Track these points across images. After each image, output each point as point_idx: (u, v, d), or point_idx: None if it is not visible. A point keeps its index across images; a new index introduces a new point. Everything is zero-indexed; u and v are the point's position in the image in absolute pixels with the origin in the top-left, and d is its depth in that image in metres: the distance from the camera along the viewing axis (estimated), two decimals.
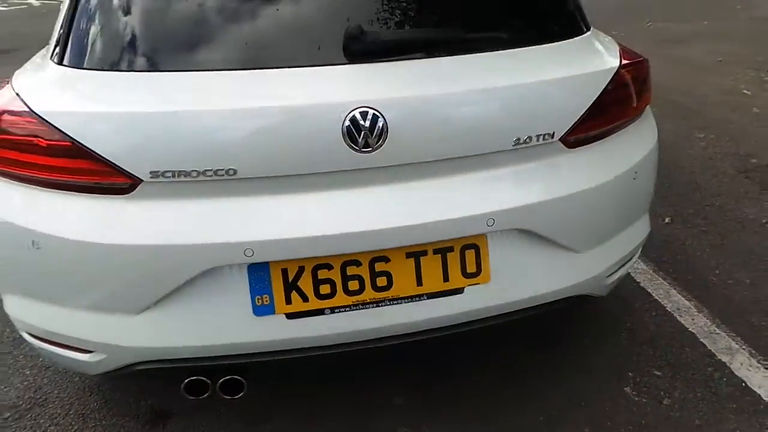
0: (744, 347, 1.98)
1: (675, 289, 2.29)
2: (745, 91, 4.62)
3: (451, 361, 1.95)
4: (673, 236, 2.66)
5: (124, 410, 1.83)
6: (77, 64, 1.27)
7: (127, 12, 1.30)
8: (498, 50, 1.35)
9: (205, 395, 1.48)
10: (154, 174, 1.20)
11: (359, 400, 1.82)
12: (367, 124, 1.20)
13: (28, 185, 1.29)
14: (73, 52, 1.28)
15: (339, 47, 1.25)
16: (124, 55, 1.27)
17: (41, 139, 1.23)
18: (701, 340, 2.03)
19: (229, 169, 1.20)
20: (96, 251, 1.25)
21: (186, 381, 1.44)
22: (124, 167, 1.20)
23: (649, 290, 2.29)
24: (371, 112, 1.19)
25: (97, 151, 1.19)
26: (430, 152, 1.28)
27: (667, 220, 2.78)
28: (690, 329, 2.07)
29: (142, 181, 1.21)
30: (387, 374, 1.90)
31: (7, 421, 1.81)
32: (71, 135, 1.20)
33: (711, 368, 1.91)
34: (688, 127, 3.90)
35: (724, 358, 1.94)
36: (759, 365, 1.91)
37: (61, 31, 1.32)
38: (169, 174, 1.20)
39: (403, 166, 1.27)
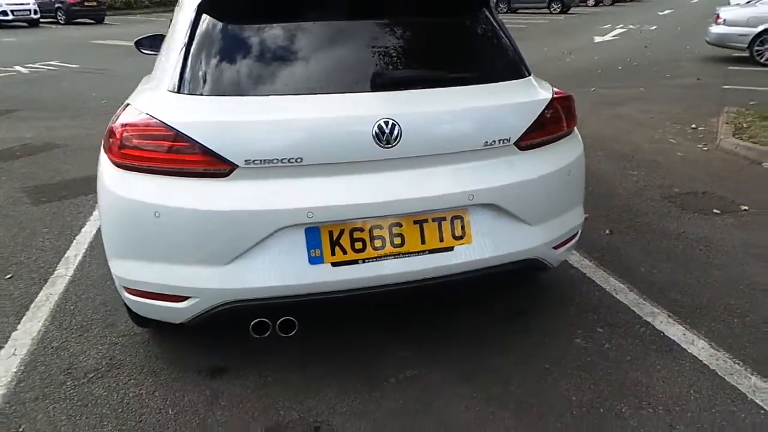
0: (663, 312, 2.61)
1: (612, 277, 2.93)
2: (671, 140, 5.51)
3: (442, 326, 2.52)
4: (611, 243, 3.33)
5: (187, 368, 2.30)
6: (188, 92, 1.88)
7: (222, 57, 1.92)
8: (472, 84, 2.03)
9: (267, 334, 2.01)
10: (247, 162, 1.79)
11: (374, 352, 2.35)
12: (388, 129, 1.83)
13: (153, 174, 1.85)
14: (184, 85, 1.88)
15: (370, 81, 1.93)
16: (221, 86, 1.89)
17: (167, 141, 1.81)
18: (632, 308, 2.65)
19: (298, 157, 1.80)
20: (202, 216, 1.81)
21: (253, 322, 1.97)
22: (227, 157, 1.79)
23: (592, 278, 2.92)
24: (391, 122, 1.84)
25: (209, 146, 1.78)
26: (429, 149, 1.91)
27: (607, 231, 3.46)
28: (623, 302, 2.70)
29: (238, 166, 1.80)
30: (394, 335, 2.45)
31: (92, 379, 2.26)
32: (190, 136, 1.79)
33: (638, 326, 2.52)
34: (624, 166, 4.70)
35: (648, 319, 2.56)
36: (674, 322, 2.53)
37: (174, 70, 1.92)
38: (258, 161, 1.79)
39: (411, 158, 1.89)
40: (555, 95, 2.17)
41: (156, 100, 1.92)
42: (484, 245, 2.02)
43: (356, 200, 1.86)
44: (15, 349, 2.44)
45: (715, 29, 10.08)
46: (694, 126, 5.96)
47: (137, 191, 1.87)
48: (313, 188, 1.84)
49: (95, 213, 3.91)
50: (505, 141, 2.01)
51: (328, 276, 1.90)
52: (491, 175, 2.00)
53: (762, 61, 9.63)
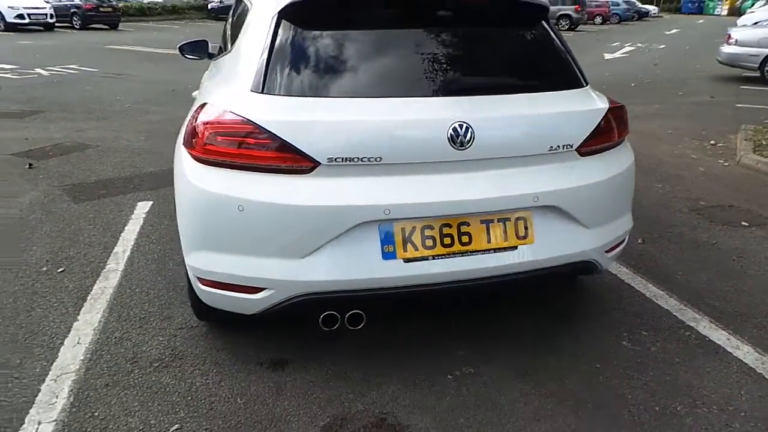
0: (705, 318, 2.69)
1: (651, 284, 3.01)
2: (692, 156, 5.62)
3: (493, 326, 2.59)
4: (645, 251, 3.41)
5: (248, 360, 2.38)
6: (271, 92, 1.97)
7: (303, 61, 2.02)
8: (536, 92, 2.13)
9: (335, 327, 2.09)
10: (330, 159, 1.88)
11: (430, 349, 2.43)
12: (462, 132, 1.93)
13: (237, 170, 1.94)
14: (268, 86, 1.97)
15: (443, 86, 2.03)
16: (303, 87, 1.98)
17: (253, 138, 1.91)
18: (674, 314, 2.73)
19: (378, 157, 1.90)
20: (284, 210, 1.90)
21: (323, 315, 2.05)
22: (311, 155, 1.88)
23: (632, 285, 3.00)
24: (465, 125, 1.93)
25: (294, 144, 1.88)
26: (498, 152, 2.00)
27: (640, 240, 3.55)
28: (665, 307, 2.78)
29: (321, 164, 1.89)
30: (448, 334, 2.53)
31: (157, 369, 2.33)
32: (277, 133, 1.88)
33: (683, 330, 2.60)
34: (649, 180, 4.79)
35: (692, 324, 2.64)
36: (717, 327, 2.61)
37: (256, 71, 2.01)
38: (340, 159, 1.89)
39: (481, 161, 1.98)
40: (611, 105, 2.27)
41: (239, 99, 2.00)
42: (545, 246, 2.11)
43: (430, 199, 1.95)
44: (79, 338, 2.52)
45: (727, 49, 10.26)
46: (713, 142, 6.07)
47: (222, 185, 1.95)
48: (391, 186, 1.93)
49: (136, 211, 4.00)
50: (568, 147, 2.10)
51: (400, 271, 1.98)
52: (555, 178, 2.09)
53: None
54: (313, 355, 2.40)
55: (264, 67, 2.01)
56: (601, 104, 2.23)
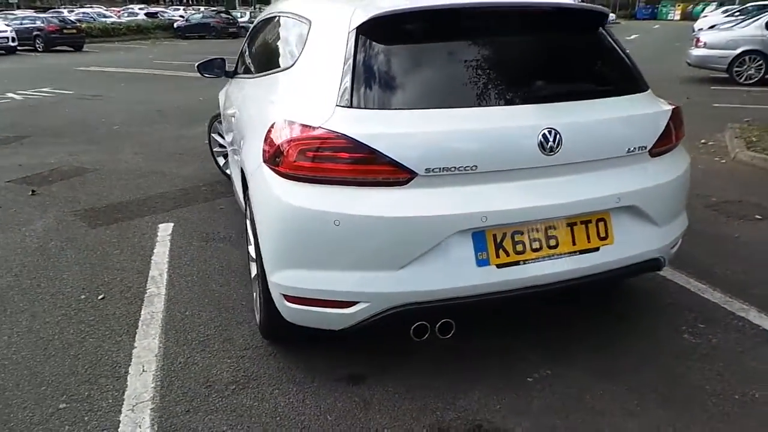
0: (752, 307, 2.80)
1: (692, 279, 3.11)
2: None
3: (557, 330, 2.64)
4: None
5: (326, 376, 2.35)
6: (360, 106, 1.98)
7: (387, 74, 2.03)
8: (611, 96, 2.20)
9: (425, 337, 2.09)
10: (427, 170, 1.90)
11: (503, 355, 2.45)
12: (551, 138, 1.98)
13: (331, 184, 1.94)
14: (356, 100, 1.98)
15: (528, 94, 2.09)
16: (391, 100, 1.99)
17: (348, 152, 1.91)
18: (722, 306, 2.83)
19: (473, 165, 1.92)
20: (382, 223, 1.90)
21: (414, 326, 2.06)
22: (408, 166, 1.89)
23: (675, 281, 3.10)
24: (553, 131, 1.98)
25: (392, 157, 1.89)
26: (584, 155, 2.05)
27: None
28: (713, 300, 2.88)
29: (418, 174, 1.91)
30: (515, 339, 2.55)
31: (234, 391, 2.29)
32: (373, 147, 1.89)
33: (735, 320, 2.70)
34: None
35: (741, 314, 2.74)
36: (766, 316, 2.71)
37: (342, 85, 2.00)
38: (437, 170, 1.90)
39: (568, 165, 2.03)
40: (673, 107, 2.36)
41: (327, 114, 1.99)
42: (624, 245, 2.17)
43: (524, 204, 1.99)
44: (143, 366, 2.45)
45: (696, 52, 10.73)
46: (704, 141, 6.32)
47: (316, 201, 1.94)
48: (486, 194, 1.96)
49: (160, 234, 3.92)
50: (643, 148, 2.18)
51: (493, 277, 2.00)
52: (633, 179, 2.16)
53: (741, 80, 10.27)
54: (387, 368, 2.39)
55: (350, 82, 2.01)
56: (666, 107, 2.32)
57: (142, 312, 2.89)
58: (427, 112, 1.96)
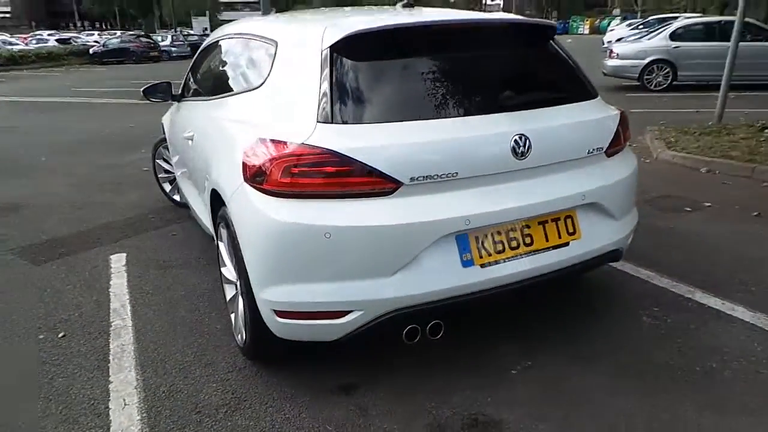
0: (697, 289, 3.08)
1: (641, 268, 3.37)
2: None
3: (527, 324, 2.78)
4: None
5: (318, 389, 2.36)
6: (340, 121, 2.03)
7: (364, 89, 2.11)
8: (569, 103, 2.38)
9: (416, 339, 2.16)
10: (412, 179, 1.98)
11: (482, 351, 2.56)
12: (522, 143, 2.12)
13: (319, 198, 1.98)
14: (335, 116, 2.03)
15: (497, 103, 2.24)
16: (370, 114, 2.06)
17: (334, 166, 1.96)
18: (670, 290, 3.10)
19: (454, 172, 2.03)
20: (372, 232, 1.96)
21: (406, 329, 2.12)
22: (394, 176, 1.97)
23: (625, 270, 3.34)
24: (523, 137, 2.13)
25: (378, 168, 1.96)
26: (551, 158, 2.21)
27: None
28: (661, 286, 3.15)
29: (403, 184, 1.99)
30: (489, 335, 2.67)
31: (227, 414, 2.25)
32: (359, 159, 1.95)
33: (684, 302, 2.96)
34: None
35: (689, 296, 3.02)
36: (709, 296, 3.00)
37: (320, 102, 2.06)
38: (420, 178, 1.99)
39: (537, 167, 2.18)
40: (620, 111, 2.59)
41: (309, 130, 2.03)
42: (589, 239, 2.35)
43: (501, 206, 2.11)
44: (124, 400, 2.35)
45: (611, 62, 11.61)
46: (629, 144, 6.82)
47: (305, 215, 1.98)
48: (467, 198, 2.07)
49: (114, 265, 3.76)
50: (599, 149, 2.38)
51: (478, 276, 2.11)
52: (593, 178, 2.35)
53: (652, 87, 11.20)
54: (376, 375, 2.43)
55: (328, 99, 2.06)
56: (614, 111, 2.54)
57: (111, 346, 2.78)
58: (405, 125, 2.06)
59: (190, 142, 3.31)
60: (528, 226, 2.21)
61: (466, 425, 2.11)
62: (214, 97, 3.07)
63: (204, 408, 2.28)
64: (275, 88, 2.37)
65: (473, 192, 2.09)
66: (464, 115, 2.13)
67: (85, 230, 4.52)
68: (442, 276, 2.07)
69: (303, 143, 2.01)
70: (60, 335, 2.89)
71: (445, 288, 2.07)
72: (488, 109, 2.19)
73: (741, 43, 10.52)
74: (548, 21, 2.52)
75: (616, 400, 2.21)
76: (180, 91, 4.16)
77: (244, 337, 2.47)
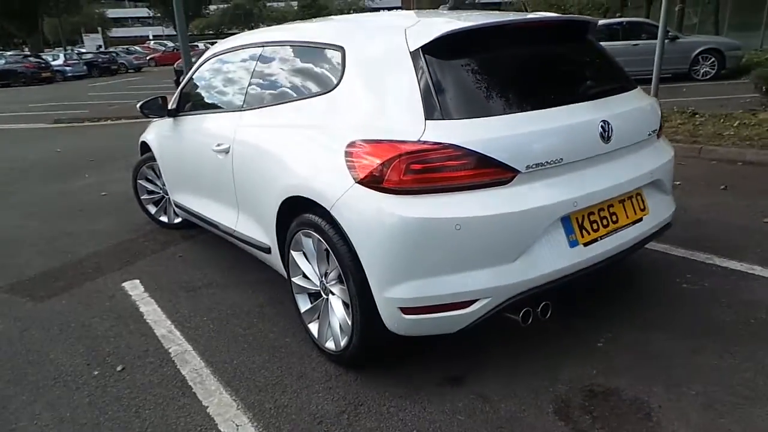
0: (713, 255, 3.43)
1: (654, 243, 3.69)
2: None
3: (598, 302, 2.98)
4: None
5: (426, 384, 2.40)
6: (448, 117, 2.09)
7: (463, 86, 2.19)
8: (627, 92, 2.60)
9: (530, 321, 2.27)
10: (527, 167, 2.10)
11: (568, 329, 2.72)
12: (608, 128, 2.31)
13: (444, 192, 2.04)
14: (444, 112, 2.09)
15: (581, 93, 2.43)
16: (475, 109, 2.13)
17: (458, 159, 2.03)
18: (691, 258, 3.43)
19: (560, 158, 2.17)
20: (498, 220, 2.04)
21: (522, 312, 2.22)
22: (513, 165, 2.08)
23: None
24: (608, 123, 2.32)
25: (495, 158, 2.05)
26: (626, 141, 2.41)
27: None
28: (680, 255, 3.48)
29: (520, 172, 2.09)
30: (573, 315, 2.84)
31: (350, 419, 2.23)
32: (478, 151, 2.03)
33: (708, 266, 3.29)
34: None
35: (709, 261, 3.36)
36: (728, 259, 3.35)
37: (424, 100, 2.11)
38: (533, 166, 2.11)
39: (618, 150, 2.38)
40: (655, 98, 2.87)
41: (418, 128, 2.09)
42: (654, 213, 2.58)
43: (598, 187, 2.29)
44: (234, 422, 2.26)
45: None
46: None
47: (434, 210, 2.03)
48: (572, 182, 2.22)
49: (133, 293, 3.54)
50: (654, 131, 2.63)
51: (583, 255, 2.26)
52: (654, 158, 2.60)
53: None
54: (476, 366, 2.51)
55: (434, 97, 2.12)
56: (654, 98, 2.81)
57: (183, 372, 2.63)
58: (510, 117, 2.17)
59: (220, 155, 3.20)
60: (612, 206, 2.39)
61: (588, 397, 2.25)
62: (257, 106, 3.00)
63: (324, 417, 2.25)
64: (355, 91, 2.39)
65: (575, 176, 2.24)
66: (556, 106, 2.28)
67: (72, 261, 4.19)
68: (554, 257, 2.20)
69: (420, 140, 2.07)
70: (119, 368, 2.70)
71: (558, 269, 2.20)
72: (572, 98, 2.35)
73: (644, 42, 11.79)
74: (589, 17, 2.74)
75: (701, 357, 2.45)
76: (174, 106, 4.00)
77: (343, 343, 2.45)
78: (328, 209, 2.27)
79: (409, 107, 2.17)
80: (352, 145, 2.22)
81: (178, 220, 4.71)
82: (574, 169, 2.24)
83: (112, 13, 63.32)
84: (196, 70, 3.90)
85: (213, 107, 3.58)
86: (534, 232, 2.13)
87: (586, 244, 2.28)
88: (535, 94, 2.31)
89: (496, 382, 2.39)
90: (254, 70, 3.14)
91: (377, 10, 48.95)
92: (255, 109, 3.03)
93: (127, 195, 5.51)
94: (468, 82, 2.24)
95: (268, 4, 58.17)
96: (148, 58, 38.63)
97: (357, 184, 2.15)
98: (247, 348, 2.80)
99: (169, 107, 4.01)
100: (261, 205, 2.88)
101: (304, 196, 2.44)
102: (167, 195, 4.62)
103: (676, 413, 2.12)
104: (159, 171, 4.55)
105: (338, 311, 2.47)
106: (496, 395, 2.30)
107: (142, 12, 55.39)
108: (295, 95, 2.76)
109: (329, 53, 2.60)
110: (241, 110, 3.16)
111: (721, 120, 6.72)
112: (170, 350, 2.84)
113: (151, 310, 3.29)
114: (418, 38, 2.24)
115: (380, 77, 2.33)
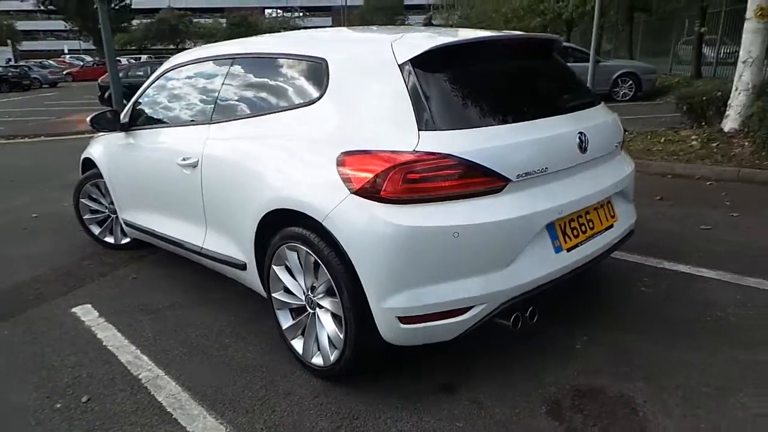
0: (662, 260, 3.67)
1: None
2: None
3: (569, 308, 3.10)
4: None
5: (419, 393, 2.40)
6: (440, 128, 2.12)
7: (454, 98, 2.25)
8: (594, 107, 2.75)
9: (519, 326, 2.33)
10: (518, 176, 2.17)
11: (544, 334, 2.81)
12: (584, 139, 2.44)
13: (441, 201, 2.06)
14: (436, 123, 2.13)
15: (558, 106, 2.55)
16: (466, 120, 2.19)
17: (454, 169, 2.07)
18: (644, 263, 3.65)
19: (545, 168, 2.26)
20: (494, 227, 2.10)
21: (512, 317, 2.28)
22: (505, 174, 2.14)
23: None
24: (584, 134, 2.45)
25: (489, 167, 2.11)
26: (598, 152, 2.55)
27: None
28: (635, 261, 3.69)
29: (511, 180, 2.16)
30: (548, 322, 2.93)
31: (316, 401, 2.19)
32: (473, 161, 2.08)
33: (660, 271, 3.52)
34: None
35: (659, 266, 3.59)
36: (676, 263, 3.60)
37: (414, 113, 2.13)
38: (522, 174, 2.18)
39: (591, 161, 2.50)
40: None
41: (412, 139, 2.11)
42: (621, 221, 2.74)
43: (578, 195, 2.40)
44: None
45: None
46: None
47: (432, 218, 2.06)
48: (556, 191, 2.32)
49: (86, 318, 3.30)
50: (619, 144, 2.81)
51: (567, 260, 2.36)
52: (620, 168, 2.77)
53: None
54: (465, 373, 2.53)
55: (426, 108, 2.16)
56: (615, 113, 3.01)
57: (159, 398, 2.48)
58: (499, 128, 2.25)
59: (186, 170, 3.08)
60: (588, 213, 2.52)
61: (576, 396, 2.33)
62: (229, 119, 2.92)
63: None
64: (341, 103, 2.39)
65: (558, 185, 2.35)
66: (538, 117, 2.38)
67: (8, 287, 3.85)
68: (542, 263, 2.28)
69: (416, 150, 2.09)
70: (84, 399, 2.50)
71: (546, 273, 2.28)
72: (551, 111, 2.47)
73: (571, 65, 12.59)
74: (556, 36, 2.89)
75: (673, 353, 2.60)
76: (126, 120, 3.82)
77: (333, 358, 2.40)
78: (320, 221, 2.24)
79: (400, 118, 2.20)
80: (344, 155, 2.21)
81: (125, 240, 4.46)
82: (557, 178, 2.35)
83: (22, 25, 59.54)
84: (152, 83, 3.74)
85: (175, 120, 3.45)
86: (525, 238, 2.21)
87: (568, 250, 2.38)
88: (518, 107, 2.41)
89: (487, 387, 2.42)
90: (224, 82, 3.06)
91: (307, 29, 48.93)
92: (227, 121, 2.95)
93: (64, 216, 5.19)
94: (456, 95, 2.30)
95: (195, 20, 56.82)
96: (64, 72, 36.54)
97: (353, 195, 2.14)
98: (224, 369, 2.68)
99: (122, 121, 3.82)
100: (236, 221, 2.80)
101: (291, 208, 2.39)
102: (114, 214, 4.38)
103: (659, 406, 2.24)
104: (105, 189, 4.31)
105: (328, 325, 2.42)
106: (489, 400, 2.34)
107: (57, 25, 52.33)
108: (273, 107, 2.72)
109: (310, 65, 2.59)
110: (209, 123, 3.06)
111: (648, 137, 7.24)
112: (140, 376, 2.66)
113: (110, 336, 3.08)
114: (406, 51, 2.28)
115: (367, 89, 2.35)
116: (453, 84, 2.31)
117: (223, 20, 56.60)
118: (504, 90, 2.45)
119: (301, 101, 2.56)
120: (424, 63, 2.26)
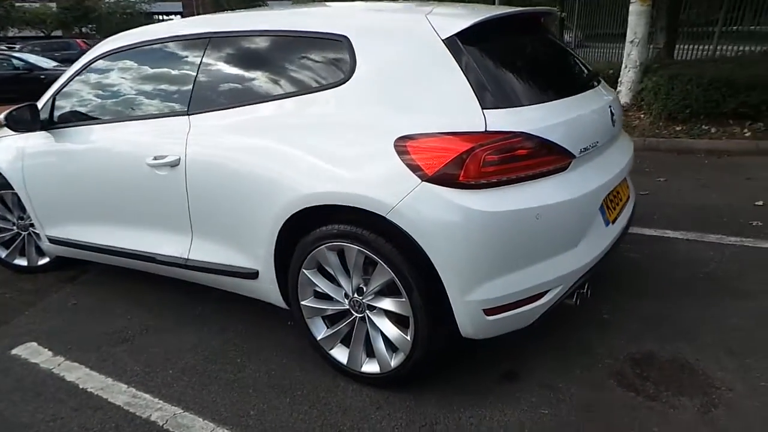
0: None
1: None
2: None
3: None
4: None
5: (481, 386, 2.29)
6: (501, 106, 1.96)
7: (505, 76, 2.13)
8: (602, 82, 2.80)
9: (578, 303, 2.30)
10: (580, 152, 2.11)
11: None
12: (613, 112, 2.46)
13: (519, 182, 1.94)
14: (496, 101, 1.97)
15: (587, 81, 2.51)
16: (523, 96, 2.05)
17: (529, 148, 1.95)
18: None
19: (596, 141, 2.23)
20: (570, 205, 2.02)
21: (575, 295, 2.25)
22: (571, 150, 2.07)
23: None
24: (611, 107, 2.47)
25: (560, 144, 2.02)
26: (619, 126, 2.60)
27: None
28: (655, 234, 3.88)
29: (575, 157, 2.10)
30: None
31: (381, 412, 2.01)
32: (548, 138, 1.99)
33: (639, 237, 3.73)
34: None
35: (636, 232, 3.81)
36: (646, 228, 3.84)
37: (477, 90, 1.98)
38: (583, 149, 2.13)
39: (617, 135, 2.55)
40: None
41: (478, 118, 1.95)
42: (632, 194, 2.84)
43: (619, 168, 2.43)
44: None
45: None
46: None
47: (515, 201, 1.93)
48: (604, 164, 2.31)
49: (38, 359, 2.71)
50: (622, 119, 2.88)
51: (613, 232, 2.37)
52: (629, 141, 2.84)
53: None
54: (519, 359, 2.46)
55: (484, 86, 2.00)
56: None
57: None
58: (554, 104, 2.16)
59: (161, 171, 2.62)
60: (620, 184, 2.56)
61: (635, 365, 2.36)
62: (220, 107, 2.50)
63: None
64: (372, 85, 2.14)
65: (602, 158, 2.34)
66: (579, 92, 2.35)
67: None
68: (599, 237, 2.26)
69: (487, 130, 1.95)
70: None
71: (603, 248, 2.28)
72: (584, 86, 2.46)
73: None
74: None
75: (693, 311, 2.75)
76: (47, 116, 3.17)
77: (395, 363, 2.20)
78: (384, 215, 2.01)
79: (457, 98, 2.01)
80: (406, 141, 1.99)
81: (43, 261, 3.75)
82: (600, 152, 2.34)
83: None
84: (78, 73, 3.12)
85: (129, 114, 2.90)
86: (592, 213, 2.18)
87: (614, 221, 2.40)
88: (559, 82, 2.37)
89: (547, 370, 2.37)
90: (201, 66, 2.62)
91: (155, 14, 45.47)
92: (213, 111, 2.53)
93: None
94: (506, 71, 2.18)
95: (18, 5, 49.73)
96: None
97: (425, 183, 1.94)
98: (253, 393, 2.34)
99: (41, 117, 3.15)
100: (244, 224, 2.43)
101: (334, 204, 2.12)
102: (25, 231, 3.66)
103: (713, 362, 2.36)
104: (13, 202, 3.57)
105: (385, 328, 2.20)
106: (558, 382, 2.29)
107: None
108: (282, 92, 2.37)
109: (328, 43, 2.30)
110: (186, 114, 2.62)
111: None
112: (153, 418, 2.23)
113: (84, 376, 2.55)
114: (447, 25, 2.11)
115: (407, 68, 2.13)
116: (502, 60, 2.19)
117: (53, 4, 50.14)
118: (544, 65, 2.40)
119: (324, 83, 2.27)
120: (470, 38, 2.10)
